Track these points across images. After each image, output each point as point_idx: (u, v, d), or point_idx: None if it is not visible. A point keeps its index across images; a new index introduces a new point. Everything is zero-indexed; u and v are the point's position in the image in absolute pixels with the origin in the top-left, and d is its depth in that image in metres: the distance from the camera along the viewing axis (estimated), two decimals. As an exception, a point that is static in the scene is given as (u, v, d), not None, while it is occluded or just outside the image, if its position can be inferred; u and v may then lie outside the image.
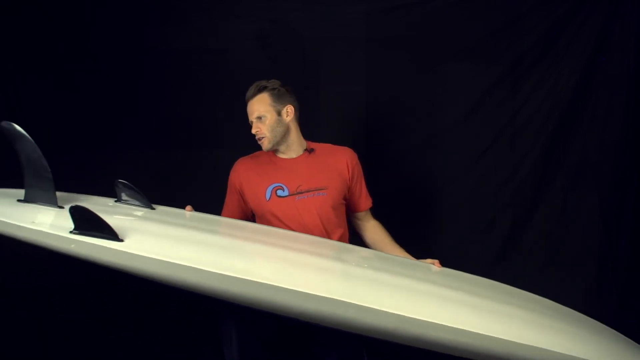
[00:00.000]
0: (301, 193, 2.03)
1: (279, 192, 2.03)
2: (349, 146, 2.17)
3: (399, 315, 1.36)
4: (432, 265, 1.92)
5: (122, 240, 1.37)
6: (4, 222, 1.43)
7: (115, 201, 1.88)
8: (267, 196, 2.03)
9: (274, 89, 2.06)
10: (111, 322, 2.65)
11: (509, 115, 2.68)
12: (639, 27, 2.56)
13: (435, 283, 1.69)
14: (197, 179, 2.67)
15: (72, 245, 1.34)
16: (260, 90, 2.05)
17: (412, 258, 2.01)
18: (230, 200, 2.13)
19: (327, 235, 2.01)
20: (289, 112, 2.07)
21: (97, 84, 2.65)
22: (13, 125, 1.54)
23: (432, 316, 1.38)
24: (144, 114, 2.67)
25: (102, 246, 1.34)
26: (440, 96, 2.71)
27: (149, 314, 2.65)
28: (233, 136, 2.66)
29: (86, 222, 1.35)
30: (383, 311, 1.36)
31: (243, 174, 2.09)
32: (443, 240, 2.75)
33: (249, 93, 2.07)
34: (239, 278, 1.36)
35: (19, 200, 1.61)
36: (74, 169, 2.39)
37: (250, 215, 2.13)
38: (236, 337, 1.76)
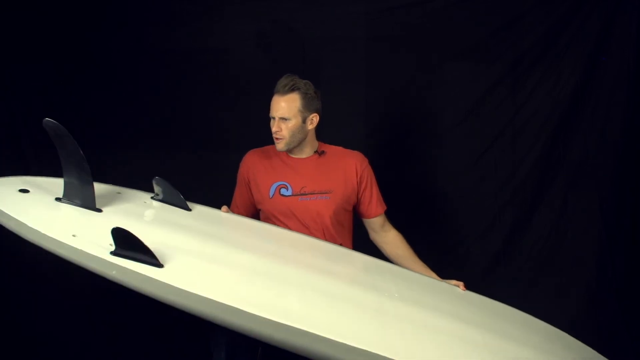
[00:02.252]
0: (304, 194, 2.02)
1: (283, 191, 2.02)
2: (349, 146, 2.17)
3: None
4: (457, 288, 1.89)
5: (162, 266, 1.34)
6: (47, 236, 1.38)
7: (152, 197, 1.87)
8: (271, 193, 2.03)
9: (306, 93, 1.98)
10: (97, 323, 2.65)
11: (509, 115, 2.68)
12: (639, 27, 2.56)
13: (461, 319, 1.64)
14: (196, 178, 2.67)
15: (114, 272, 1.31)
16: (293, 89, 1.97)
17: (436, 276, 1.97)
18: (239, 194, 2.13)
19: (325, 239, 2.00)
20: (313, 121, 2.03)
21: (97, 84, 2.65)
22: (56, 124, 1.52)
23: None
24: (144, 114, 2.67)
25: (143, 275, 1.30)
26: (440, 96, 2.71)
27: (137, 316, 2.60)
28: (234, 136, 2.67)
29: (127, 245, 1.33)
30: None
31: (251, 167, 2.09)
32: (443, 240, 2.76)
33: (281, 87, 1.97)
34: (279, 323, 1.29)
35: (57, 199, 1.59)
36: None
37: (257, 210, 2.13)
38: (225, 343, 1.72)
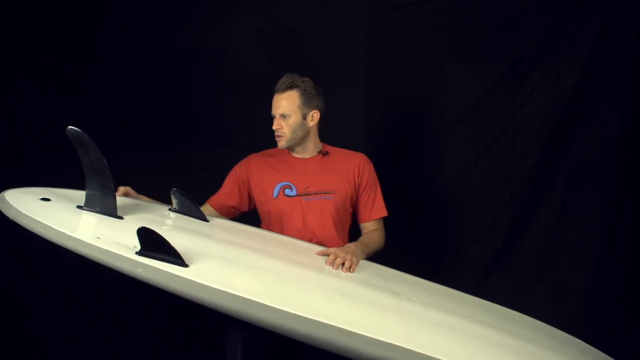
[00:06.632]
0: (308, 195, 2.03)
1: (287, 191, 2.03)
2: (349, 146, 2.17)
3: None
4: (472, 297, 1.89)
5: (187, 266, 1.35)
6: (72, 237, 1.38)
7: (170, 209, 1.89)
8: (275, 194, 2.03)
9: (305, 89, 2.01)
10: (109, 326, 2.64)
11: (509, 115, 2.68)
12: (639, 27, 2.56)
13: (481, 322, 1.65)
14: (196, 178, 2.68)
15: (140, 270, 1.31)
16: (291, 86, 2.00)
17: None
18: (225, 190, 2.11)
19: (325, 239, 2.00)
20: (314, 117, 2.04)
21: (98, 84, 2.65)
22: (79, 132, 1.52)
23: None
24: (144, 114, 2.67)
25: (170, 273, 1.31)
26: (440, 96, 2.71)
27: (137, 316, 2.65)
28: (234, 136, 2.67)
29: (153, 245, 1.34)
30: None
31: (253, 169, 2.08)
32: (443, 240, 2.76)
33: (280, 85, 2.01)
34: (310, 319, 1.30)
35: (78, 207, 1.60)
36: (74, 168, 2.39)
37: (239, 213, 2.11)
38: (241, 348, 1.69)
